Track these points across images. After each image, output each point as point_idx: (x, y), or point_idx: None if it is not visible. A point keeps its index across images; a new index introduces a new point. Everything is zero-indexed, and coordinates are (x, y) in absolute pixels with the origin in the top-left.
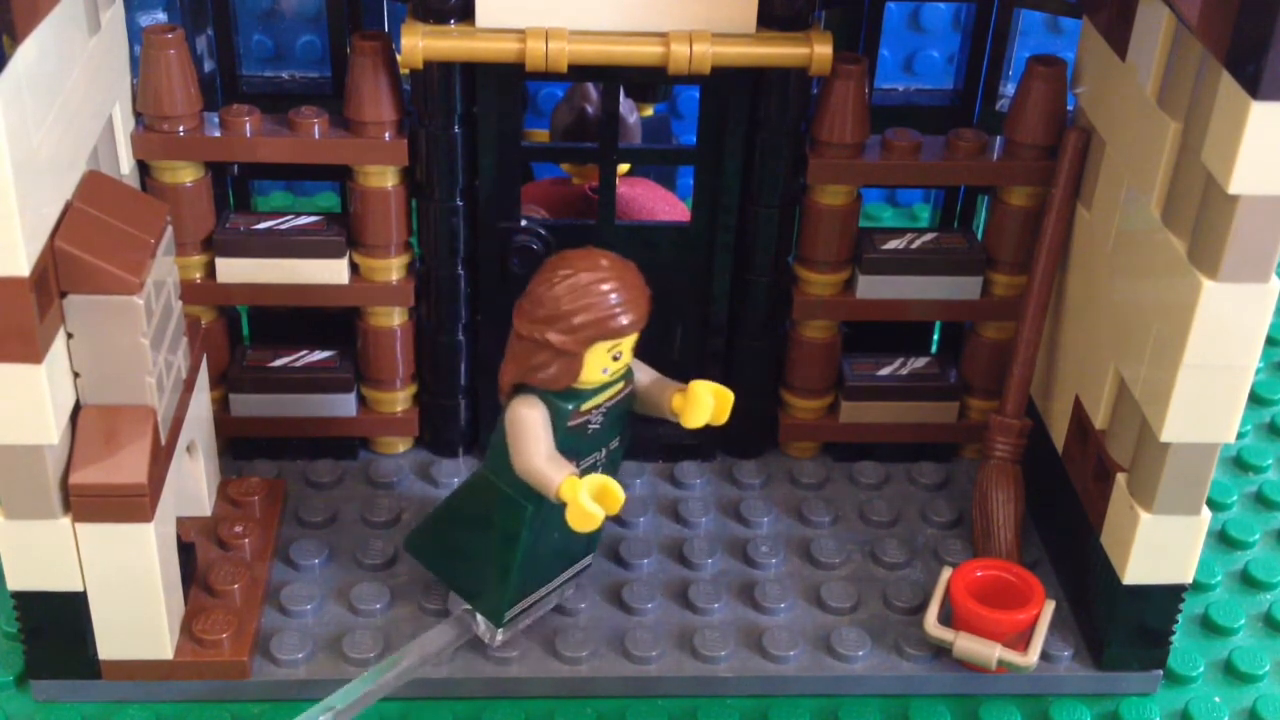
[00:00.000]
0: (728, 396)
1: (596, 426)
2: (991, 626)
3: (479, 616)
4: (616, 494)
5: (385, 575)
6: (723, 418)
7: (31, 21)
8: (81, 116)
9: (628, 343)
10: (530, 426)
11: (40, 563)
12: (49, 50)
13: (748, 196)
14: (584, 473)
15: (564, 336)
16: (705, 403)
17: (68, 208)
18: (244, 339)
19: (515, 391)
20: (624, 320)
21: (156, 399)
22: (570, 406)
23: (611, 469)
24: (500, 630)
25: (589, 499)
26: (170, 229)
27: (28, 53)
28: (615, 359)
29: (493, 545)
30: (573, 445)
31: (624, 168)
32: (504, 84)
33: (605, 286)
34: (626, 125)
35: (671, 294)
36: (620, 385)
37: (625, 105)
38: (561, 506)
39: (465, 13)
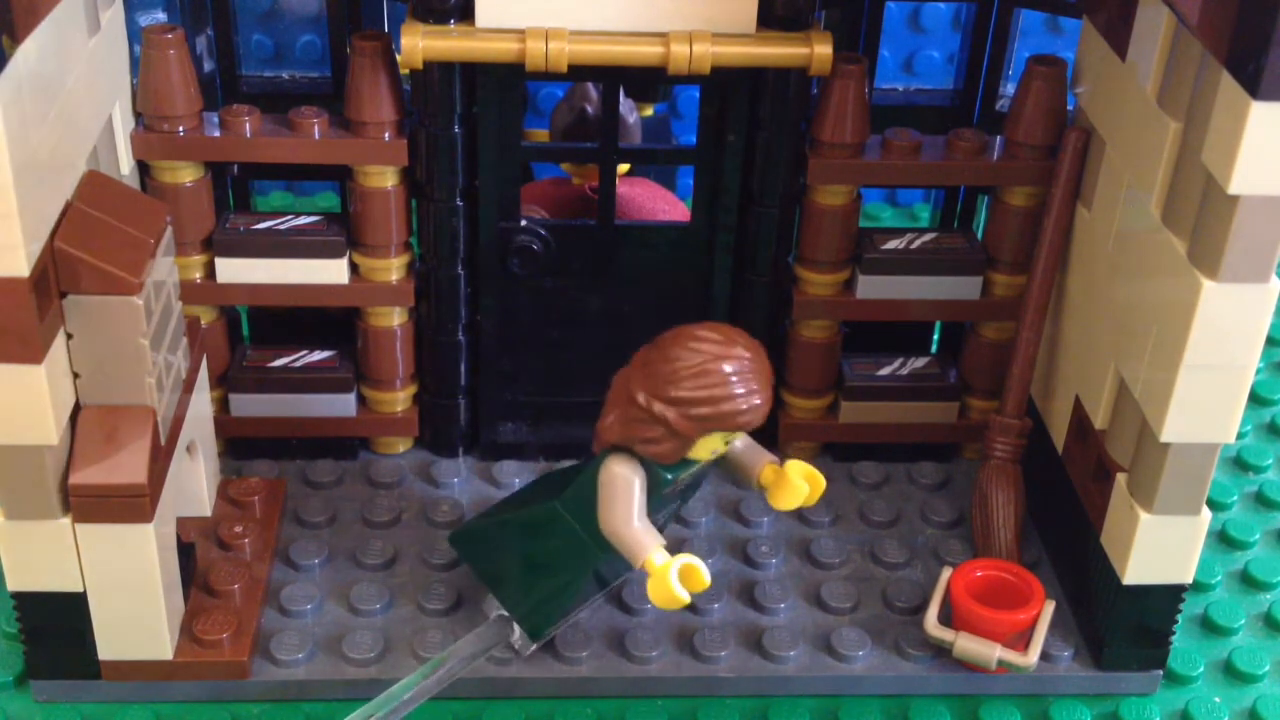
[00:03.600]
0: (820, 482)
1: (684, 488)
2: (991, 626)
3: (516, 627)
4: (702, 578)
5: (385, 575)
6: (814, 502)
7: (31, 21)
8: (81, 116)
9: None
10: (626, 489)
11: (40, 563)
12: (49, 50)
13: (748, 196)
14: (659, 524)
15: (684, 421)
16: (799, 487)
17: (68, 208)
18: (244, 339)
19: (614, 447)
20: (747, 415)
21: (156, 399)
22: (671, 476)
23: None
24: (534, 644)
25: (678, 582)
26: (170, 229)
27: (28, 53)
28: (728, 444)
29: (549, 574)
30: (658, 504)
31: (624, 168)
32: (504, 84)
33: (734, 376)
34: (626, 125)
35: (671, 294)
36: None
37: (625, 105)
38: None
39: (465, 13)
